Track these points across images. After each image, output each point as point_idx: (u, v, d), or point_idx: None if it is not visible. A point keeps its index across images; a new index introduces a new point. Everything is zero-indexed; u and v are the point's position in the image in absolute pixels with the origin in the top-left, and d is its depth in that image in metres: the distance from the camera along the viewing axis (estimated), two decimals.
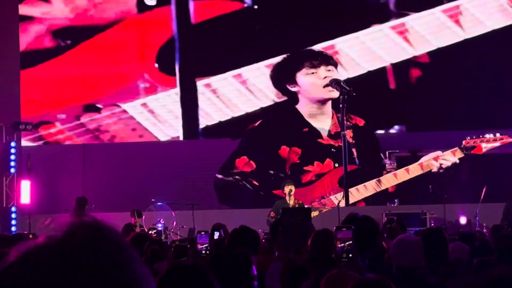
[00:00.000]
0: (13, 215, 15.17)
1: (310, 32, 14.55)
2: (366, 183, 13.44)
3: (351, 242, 4.58)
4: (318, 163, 13.98)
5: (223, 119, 14.96)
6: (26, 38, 16.06)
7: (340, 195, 13.36)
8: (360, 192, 13.44)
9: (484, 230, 13.94)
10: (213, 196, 15.83)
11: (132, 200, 15.80)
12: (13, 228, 15.00)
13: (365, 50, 14.36)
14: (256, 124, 14.61)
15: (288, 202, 14.10)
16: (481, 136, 14.08)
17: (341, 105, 12.26)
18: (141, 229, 13.95)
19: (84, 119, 15.72)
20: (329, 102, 14.39)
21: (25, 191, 15.23)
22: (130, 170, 16.40)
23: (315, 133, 14.24)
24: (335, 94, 13.69)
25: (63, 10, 15.66)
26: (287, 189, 14.19)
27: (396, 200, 13.90)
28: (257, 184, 14.31)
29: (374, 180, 13.59)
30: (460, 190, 16.26)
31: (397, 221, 11.86)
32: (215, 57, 14.73)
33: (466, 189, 16.12)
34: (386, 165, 13.89)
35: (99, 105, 15.61)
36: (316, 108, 14.39)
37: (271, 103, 14.50)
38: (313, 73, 14.00)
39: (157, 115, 15.15)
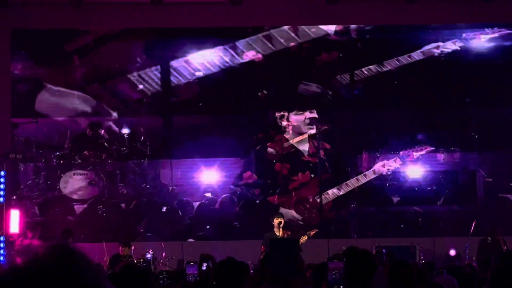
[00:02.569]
0: (1, 245, 15.06)
1: None
2: (337, 186, 17.43)
3: (341, 271, 4.56)
4: (301, 173, 17.72)
5: None
6: None
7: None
8: (334, 192, 17.32)
9: (474, 264, 13.95)
10: (203, 226, 15.88)
11: (122, 230, 15.74)
12: (1, 258, 14.89)
13: None
14: (257, 148, 17.90)
15: (277, 234, 14.09)
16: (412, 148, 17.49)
17: (317, 136, 16.88)
18: (130, 259, 13.85)
19: None
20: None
21: (14, 221, 15.15)
22: (119, 199, 16.36)
23: (299, 152, 18.00)
24: (313, 130, 17.46)
25: None
26: (276, 221, 14.19)
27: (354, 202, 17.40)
28: (256, 192, 17.81)
29: (343, 184, 17.47)
30: (450, 223, 16.28)
31: (387, 254, 11.85)
32: None
33: (456, 223, 16.15)
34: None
35: None
36: (297, 137, 17.96)
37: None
38: (301, 113, 17.78)
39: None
